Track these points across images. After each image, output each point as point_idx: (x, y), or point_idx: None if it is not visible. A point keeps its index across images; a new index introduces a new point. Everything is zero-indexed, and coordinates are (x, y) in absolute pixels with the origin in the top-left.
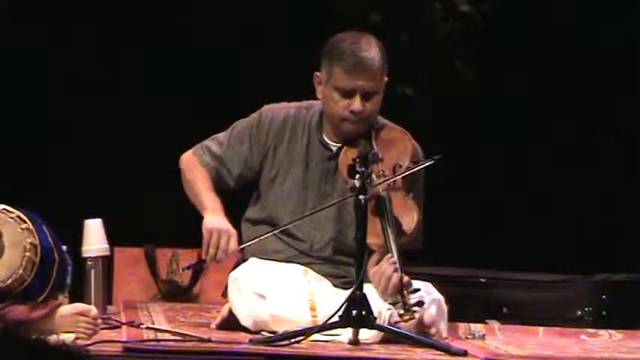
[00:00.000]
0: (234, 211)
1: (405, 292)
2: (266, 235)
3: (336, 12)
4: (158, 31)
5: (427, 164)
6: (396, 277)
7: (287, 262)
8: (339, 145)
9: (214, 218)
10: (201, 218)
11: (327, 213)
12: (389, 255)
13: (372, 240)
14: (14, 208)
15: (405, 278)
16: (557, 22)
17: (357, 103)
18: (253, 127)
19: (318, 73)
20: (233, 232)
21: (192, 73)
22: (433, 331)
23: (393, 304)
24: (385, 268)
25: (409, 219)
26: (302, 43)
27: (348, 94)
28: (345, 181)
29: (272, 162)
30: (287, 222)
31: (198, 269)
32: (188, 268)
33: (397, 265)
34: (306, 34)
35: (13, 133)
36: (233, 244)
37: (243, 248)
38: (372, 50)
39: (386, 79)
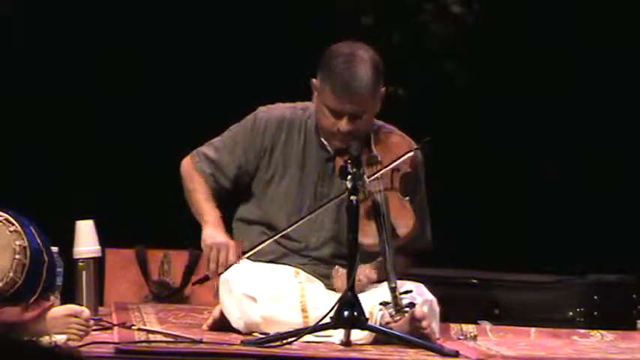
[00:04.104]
0: (227, 210)
1: (396, 293)
2: (267, 242)
3: (335, 12)
4: (156, 30)
5: (408, 155)
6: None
7: (280, 262)
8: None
9: (212, 232)
10: (193, 221)
11: (325, 214)
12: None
13: (366, 240)
14: (1, 210)
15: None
16: (551, 22)
17: (343, 124)
18: (248, 130)
19: (314, 81)
20: (231, 244)
21: (189, 74)
22: (425, 324)
23: (385, 304)
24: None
25: (404, 223)
26: (301, 44)
27: (336, 114)
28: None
29: (268, 163)
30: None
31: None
32: (195, 283)
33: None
34: (305, 34)
35: (2, 133)
36: (232, 256)
37: (245, 257)
38: (362, 72)
39: (383, 89)
